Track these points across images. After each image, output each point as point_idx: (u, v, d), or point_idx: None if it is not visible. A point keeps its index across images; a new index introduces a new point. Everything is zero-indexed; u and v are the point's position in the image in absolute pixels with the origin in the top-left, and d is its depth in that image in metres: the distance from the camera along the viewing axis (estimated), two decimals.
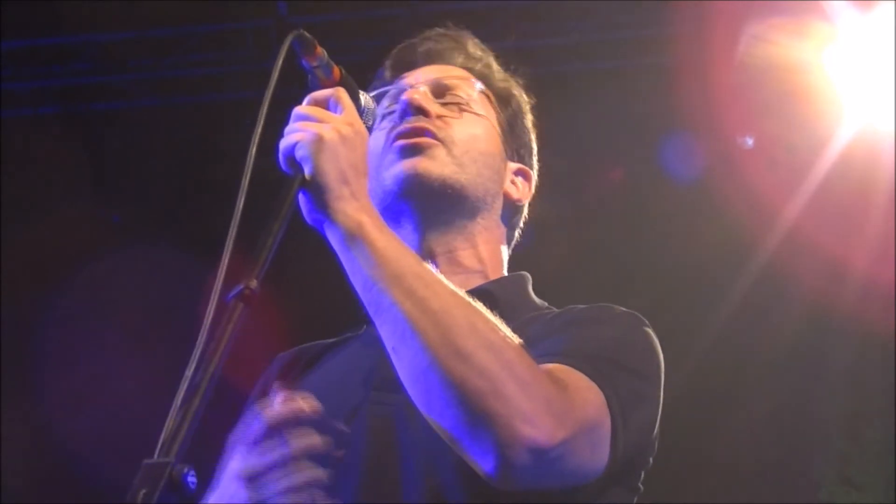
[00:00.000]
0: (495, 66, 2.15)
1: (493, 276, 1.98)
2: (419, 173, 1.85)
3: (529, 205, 2.15)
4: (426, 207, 1.70)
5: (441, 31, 2.16)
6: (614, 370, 1.66)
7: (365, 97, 1.81)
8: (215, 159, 6.34)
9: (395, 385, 1.68)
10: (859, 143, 5.72)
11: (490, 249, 1.99)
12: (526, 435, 1.47)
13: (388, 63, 2.10)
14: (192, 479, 1.27)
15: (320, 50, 1.71)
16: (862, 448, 6.77)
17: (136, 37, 6.01)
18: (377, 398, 1.74)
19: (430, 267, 1.61)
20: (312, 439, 1.57)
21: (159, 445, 1.29)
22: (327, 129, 1.62)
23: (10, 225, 6.31)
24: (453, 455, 1.55)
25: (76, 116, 6.28)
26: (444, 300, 1.55)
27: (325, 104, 1.69)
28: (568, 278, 5.90)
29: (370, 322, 1.90)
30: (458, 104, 2.00)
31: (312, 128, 1.62)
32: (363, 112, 1.77)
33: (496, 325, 1.57)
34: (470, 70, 2.10)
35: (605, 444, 1.61)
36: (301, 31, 1.68)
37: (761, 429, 6.64)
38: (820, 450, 6.85)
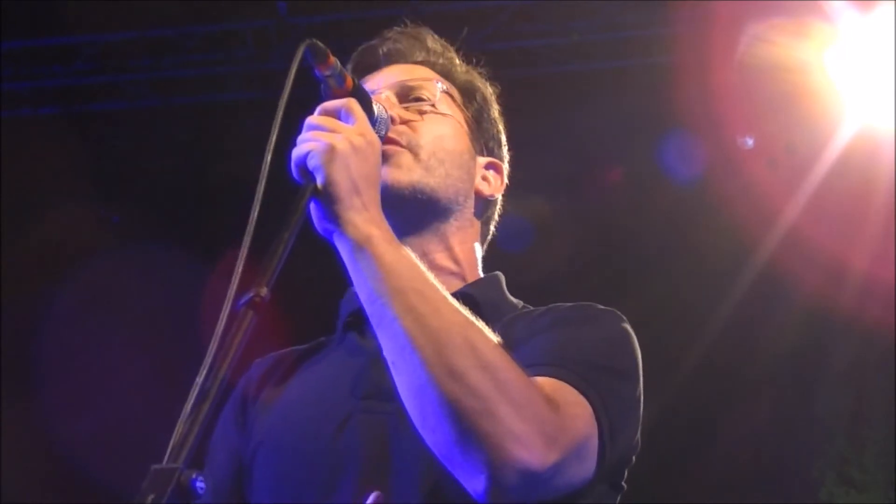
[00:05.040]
0: (457, 60, 2.13)
1: (469, 277, 1.98)
2: (387, 184, 1.83)
3: (506, 197, 2.14)
4: (397, 214, 1.70)
5: (400, 29, 2.15)
6: (600, 375, 1.67)
7: (378, 107, 1.80)
8: (215, 159, 6.35)
9: (387, 394, 1.68)
10: (859, 143, 5.73)
11: (465, 249, 1.99)
12: (517, 457, 1.48)
13: (349, 66, 2.08)
14: (200, 484, 1.27)
15: (333, 59, 1.71)
16: (862, 448, 6.77)
17: (136, 37, 6.01)
18: (368, 407, 1.74)
19: (435, 283, 1.61)
20: None
21: (168, 451, 1.29)
22: (339, 139, 1.62)
23: (10, 225, 6.31)
24: (447, 472, 1.55)
25: (76, 116, 6.28)
26: (444, 318, 1.55)
27: (336, 114, 1.69)
28: (568, 278, 5.91)
29: (351, 329, 1.91)
30: (422, 106, 1.99)
31: (325, 138, 1.62)
32: (375, 122, 1.77)
33: (495, 345, 1.57)
34: (431, 65, 2.09)
35: (594, 457, 1.62)
36: (314, 40, 1.68)
37: (762, 429, 6.65)
38: (820, 450, 6.86)
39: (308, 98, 1.75)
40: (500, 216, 2.15)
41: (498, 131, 2.14)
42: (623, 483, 1.80)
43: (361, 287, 1.60)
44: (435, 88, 2.02)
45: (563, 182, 6.25)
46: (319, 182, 1.60)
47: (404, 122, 1.94)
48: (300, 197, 1.60)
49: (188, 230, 6.37)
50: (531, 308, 1.93)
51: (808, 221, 5.99)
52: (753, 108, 5.82)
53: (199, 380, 1.34)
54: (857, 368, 6.76)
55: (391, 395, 1.66)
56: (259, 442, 1.79)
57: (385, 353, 1.59)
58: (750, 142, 5.99)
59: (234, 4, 5.95)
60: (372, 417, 1.72)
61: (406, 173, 1.88)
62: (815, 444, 6.88)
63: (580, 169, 6.34)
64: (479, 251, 2.05)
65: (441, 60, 2.10)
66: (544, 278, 5.59)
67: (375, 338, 1.70)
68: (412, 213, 1.89)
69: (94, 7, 5.74)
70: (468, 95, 2.09)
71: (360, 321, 1.89)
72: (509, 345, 1.61)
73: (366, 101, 1.76)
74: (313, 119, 1.67)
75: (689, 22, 5.56)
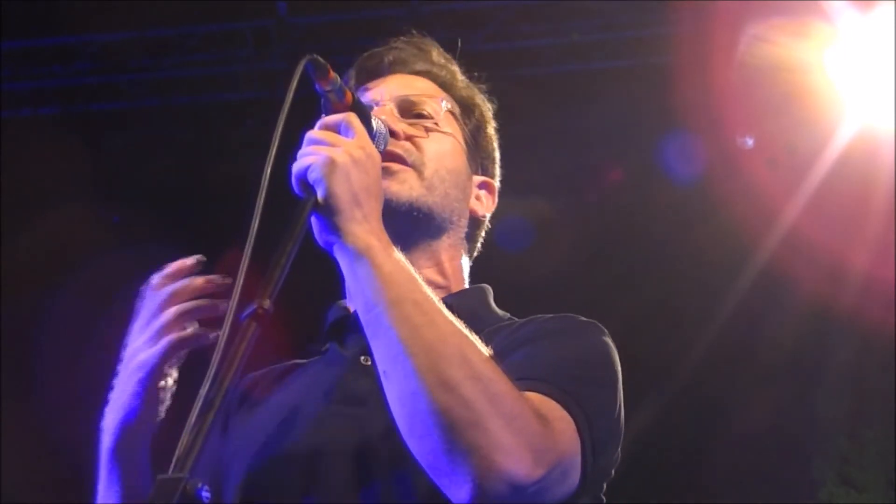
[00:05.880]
0: (459, 74, 2.14)
1: (455, 290, 1.99)
2: (388, 197, 1.84)
3: (505, 198, 2.15)
4: (393, 229, 1.70)
5: (405, 38, 2.15)
6: (583, 391, 1.68)
7: (377, 121, 1.82)
8: (215, 159, 6.35)
9: (358, 399, 1.73)
10: (859, 143, 5.73)
11: (454, 265, 2.01)
12: (505, 469, 1.49)
13: (352, 71, 2.10)
14: (205, 493, 1.28)
15: (333, 74, 1.73)
16: (862, 448, 6.77)
17: (136, 37, 6.01)
18: (339, 411, 1.76)
19: (432, 295, 1.62)
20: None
21: (173, 461, 1.31)
22: (340, 152, 1.64)
23: (10, 225, 6.31)
24: (415, 474, 1.57)
25: (76, 116, 6.28)
26: (439, 329, 1.57)
27: (336, 129, 1.71)
28: (568, 278, 5.90)
29: (333, 339, 1.93)
30: (424, 121, 2.00)
31: (325, 151, 1.64)
32: (374, 136, 1.79)
33: (487, 357, 1.58)
34: (434, 77, 2.09)
35: (577, 472, 1.64)
36: (314, 55, 1.70)
37: (762, 429, 6.65)
38: (820, 450, 6.86)
39: (309, 99, 1.75)
40: (494, 224, 2.16)
41: (493, 149, 2.15)
42: (602, 496, 1.82)
43: (359, 296, 1.62)
44: (439, 106, 2.03)
45: (563, 182, 6.25)
46: (320, 195, 1.62)
47: (408, 137, 1.95)
48: (301, 210, 1.61)
49: (188, 230, 6.36)
50: (516, 320, 1.94)
51: (808, 221, 5.99)
52: (753, 108, 5.82)
53: (203, 391, 1.36)
54: (857, 368, 6.76)
55: (363, 399, 1.71)
56: (238, 446, 1.81)
57: (378, 361, 1.60)
58: (750, 142, 5.99)
59: (234, 4, 5.95)
60: (340, 420, 1.73)
61: (408, 190, 1.91)
62: (815, 444, 6.87)
63: (580, 169, 6.34)
64: (466, 265, 2.07)
65: (444, 73, 2.11)
66: (544, 278, 5.59)
67: (356, 346, 1.77)
68: (406, 228, 1.90)
69: (94, 7, 5.74)
70: (467, 111, 2.10)
71: (340, 331, 1.93)
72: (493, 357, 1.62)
73: (365, 116, 1.78)
74: (314, 133, 1.69)
75: (689, 22, 5.56)
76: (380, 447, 1.66)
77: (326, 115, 1.75)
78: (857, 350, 6.65)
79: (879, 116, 5.59)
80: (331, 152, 1.64)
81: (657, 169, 6.18)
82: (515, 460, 1.49)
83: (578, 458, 1.63)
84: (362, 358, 1.79)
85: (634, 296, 6.09)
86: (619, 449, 1.82)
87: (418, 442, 1.54)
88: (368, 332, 1.61)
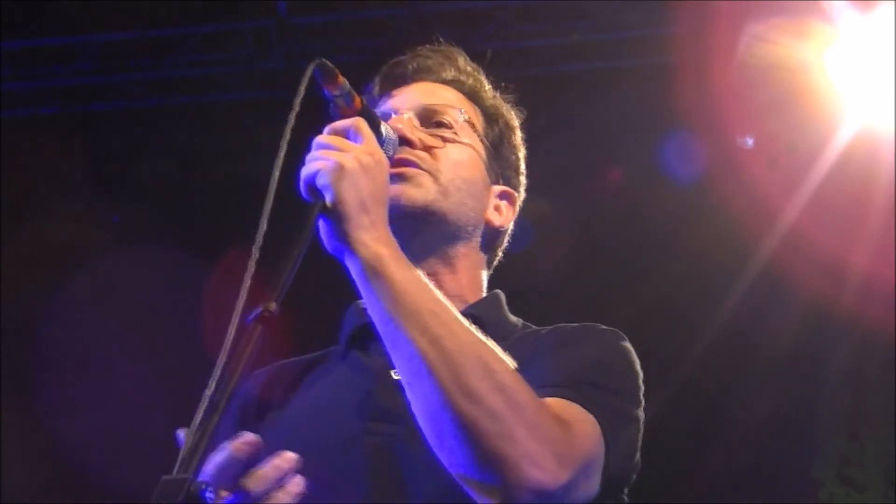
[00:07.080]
0: (485, 83, 2.15)
1: (471, 299, 1.99)
2: (403, 201, 1.86)
3: (523, 207, 2.15)
4: (408, 232, 1.74)
5: (432, 46, 2.16)
6: (605, 395, 1.71)
7: (385, 127, 1.82)
8: (215, 159, 6.35)
9: (393, 416, 1.72)
10: (859, 143, 5.73)
11: (470, 275, 2.01)
12: (533, 478, 1.52)
13: (377, 78, 2.11)
14: (210, 494, 1.30)
15: (342, 79, 1.73)
16: (862, 448, 6.77)
17: (136, 37, 6.01)
18: (374, 429, 1.75)
19: (447, 304, 1.63)
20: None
21: (178, 462, 1.32)
22: (348, 158, 1.64)
23: (10, 225, 6.31)
24: (451, 493, 1.58)
25: (76, 116, 6.28)
26: (458, 339, 1.58)
27: (345, 134, 1.71)
28: (567, 278, 5.90)
29: (355, 345, 1.92)
30: (444, 132, 2.00)
31: (333, 156, 1.64)
32: (383, 142, 1.79)
33: (508, 366, 1.60)
34: (460, 86, 2.10)
35: (599, 473, 1.66)
36: (323, 59, 1.70)
37: (761, 429, 6.64)
38: (820, 450, 6.86)
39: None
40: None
41: (517, 158, 2.15)
42: (625, 497, 1.84)
43: (374, 308, 1.62)
44: (458, 115, 2.03)
45: (563, 182, 6.25)
46: (328, 200, 1.62)
47: (426, 147, 1.95)
48: (308, 214, 1.62)
49: (188, 230, 6.37)
50: (532, 327, 1.97)
51: (808, 221, 5.99)
52: (753, 108, 5.82)
53: (209, 392, 1.37)
54: (857, 368, 6.75)
55: (397, 417, 1.70)
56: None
57: (400, 374, 1.61)
58: (750, 142, 5.99)
59: (234, 4, 5.95)
60: (377, 439, 1.73)
61: (423, 193, 1.90)
62: (815, 444, 6.87)
63: (580, 169, 6.34)
64: (484, 276, 2.07)
65: (470, 81, 2.12)
66: (543, 279, 5.58)
67: (381, 355, 1.73)
68: (422, 232, 1.90)
69: (94, 7, 5.74)
70: (490, 121, 2.10)
71: (363, 337, 1.91)
72: (516, 365, 1.64)
73: (374, 121, 1.78)
74: (322, 138, 1.70)
75: (688, 22, 5.56)
76: (418, 467, 1.67)
77: (334, 119, 1.75)
78: (857, 350, 6.65)
79: (879, 116, 5.59)
80: (339, 157, 1.64)
81: (657, 169, 6.18)
82: (541, 468, 1.52)
83: (601, 460, 1.66)
84: (392, 372, 1.77)
85: (633, 296, 6.09)
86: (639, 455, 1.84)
87: (447, 454, 1.56)
88: (387, 344, 1.61)
